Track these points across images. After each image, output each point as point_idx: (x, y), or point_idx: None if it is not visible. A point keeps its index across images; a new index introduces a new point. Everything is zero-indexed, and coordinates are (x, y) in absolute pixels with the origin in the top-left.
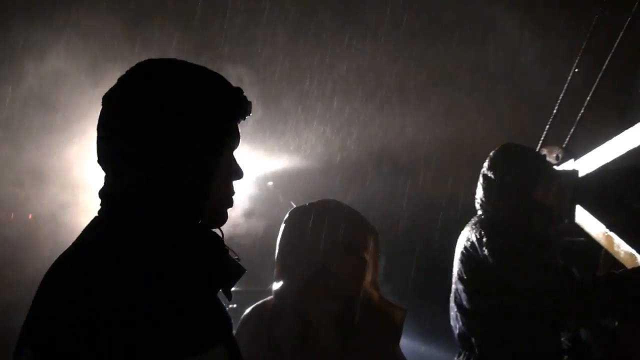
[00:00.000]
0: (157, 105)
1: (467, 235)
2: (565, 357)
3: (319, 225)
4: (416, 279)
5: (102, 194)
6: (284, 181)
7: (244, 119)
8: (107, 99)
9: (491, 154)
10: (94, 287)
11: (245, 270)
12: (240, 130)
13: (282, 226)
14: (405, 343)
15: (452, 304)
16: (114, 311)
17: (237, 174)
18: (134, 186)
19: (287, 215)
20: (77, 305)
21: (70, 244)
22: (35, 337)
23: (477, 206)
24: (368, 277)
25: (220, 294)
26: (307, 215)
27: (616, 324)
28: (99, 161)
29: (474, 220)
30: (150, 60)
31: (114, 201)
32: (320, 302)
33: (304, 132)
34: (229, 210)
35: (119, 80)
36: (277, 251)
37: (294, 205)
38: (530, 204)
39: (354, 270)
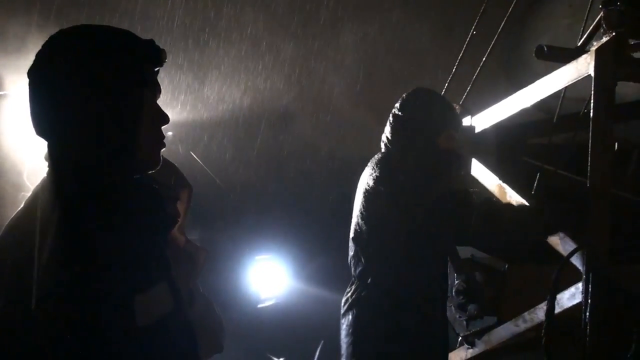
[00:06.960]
0: (74, 72)
1: (369, 172)
2: (461, 297)
3: None
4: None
5: (46, 157)
6: (183, 132)
7: (161, 65)
8: (30, 75)
9: (404, 95)
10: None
11: (177, 221)
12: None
13: None
14: (300, 286)
15: (351, 243)
16: (73, 255)
17: (163, 118)
18: (70, 146)
19: None
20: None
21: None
22: None
23: (382, 145)
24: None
25: None
26: None
27: (506, 266)
28: (37, 133)
29: (377, 156)
30: (60, 32)
31: (56, 163)
32: None
33: (206, 85)
34: None
35: (37, 55)
36: None
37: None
38: (432, 147)
39: None
